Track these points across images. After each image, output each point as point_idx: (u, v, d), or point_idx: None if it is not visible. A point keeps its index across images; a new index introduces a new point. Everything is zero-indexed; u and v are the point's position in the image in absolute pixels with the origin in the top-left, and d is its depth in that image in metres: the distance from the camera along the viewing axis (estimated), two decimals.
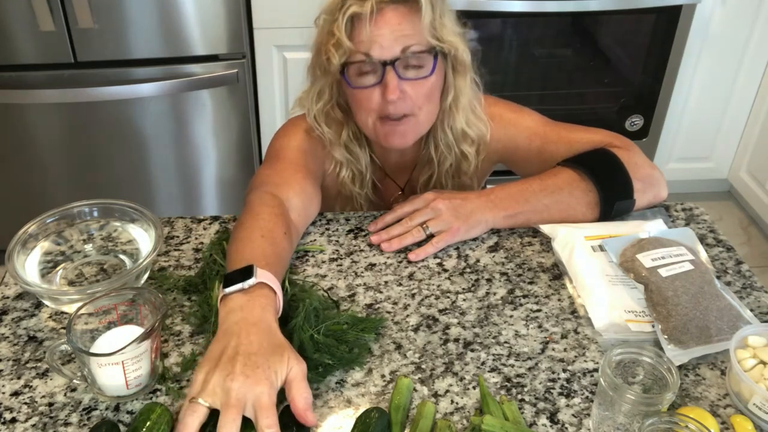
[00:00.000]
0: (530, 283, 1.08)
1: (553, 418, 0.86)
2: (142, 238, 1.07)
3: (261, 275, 0.88)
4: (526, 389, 0.90)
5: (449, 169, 1.27)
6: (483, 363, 0.94)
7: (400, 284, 1.07)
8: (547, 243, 1.15)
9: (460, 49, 1.14)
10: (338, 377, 0.91)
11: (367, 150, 1.26)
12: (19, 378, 0.90)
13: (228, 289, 0.87)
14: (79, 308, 0.88)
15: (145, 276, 1.04)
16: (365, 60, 1.09)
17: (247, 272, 0.88)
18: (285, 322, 0.92)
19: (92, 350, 0.87)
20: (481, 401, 0.88)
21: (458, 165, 1.27)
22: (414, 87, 1.11)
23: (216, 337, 0.84)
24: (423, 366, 0.93)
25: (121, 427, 0.83)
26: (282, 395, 0.81)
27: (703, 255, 1.09)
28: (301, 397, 0.79)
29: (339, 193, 1.28)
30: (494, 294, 1.06)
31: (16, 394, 0.88)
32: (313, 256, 1.12)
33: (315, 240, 1.16)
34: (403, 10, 1.08)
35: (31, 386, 0.89)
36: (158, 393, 0.89)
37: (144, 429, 0.79)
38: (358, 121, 1.18)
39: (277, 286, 0.90)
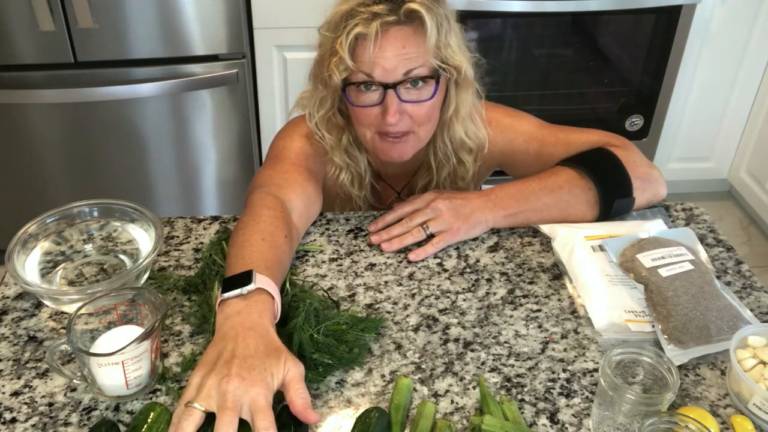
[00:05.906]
0: (530, 283, 1.08)
1: (553, 418, 0.86)
2: (142, 238, 1.07)
3: (260, 281, 0.88)
4: (526, 389, 0.90)
5: (447, 176, 1.28)
6: (483, 363, 0.94)
7: (400, 284, 1.07)
8: (547, 243, 1.15)
9: (464, 68, 1.13)
10: (338, 377, 0.91)
11: (365, 154, 1.26)
12: (19, 378, 0.90)
13: (226, 294, 0.87)
14: (79, 308, 0.88)
15: (145, 276, 1.04)
16: (367, 80, 1.08)
17: (246, 277, 0.88)
18: (285, 322, 0.92)
19: (92, 350, 0.87)
20: (481, 401, 0.88)
21: (456, 172, 1.28)
22: (414, 108, 1.11)
23: (212, 342, 0.83)
24: (423, 366, 0.93)
25: (121, 427, 0.83)
26: (281, 396, 0.81)
27: (703, 255, 1.09)
28: (299, 398, 0.79)
29: (338, 195, 1.28)
30: (494, 294, 1.06)
31: (16, 394, 0.88)
32: (313, 256, 1.12)
33: (315, 240, 1.16)
34: (407, 31, 1.06)
35: (31, 386, 0.89)
36: (158, 393, 0.89)
37: (144, 429, 0.79)
38: (357, 133, 1.18)
39: (275, 291, 0.89)
